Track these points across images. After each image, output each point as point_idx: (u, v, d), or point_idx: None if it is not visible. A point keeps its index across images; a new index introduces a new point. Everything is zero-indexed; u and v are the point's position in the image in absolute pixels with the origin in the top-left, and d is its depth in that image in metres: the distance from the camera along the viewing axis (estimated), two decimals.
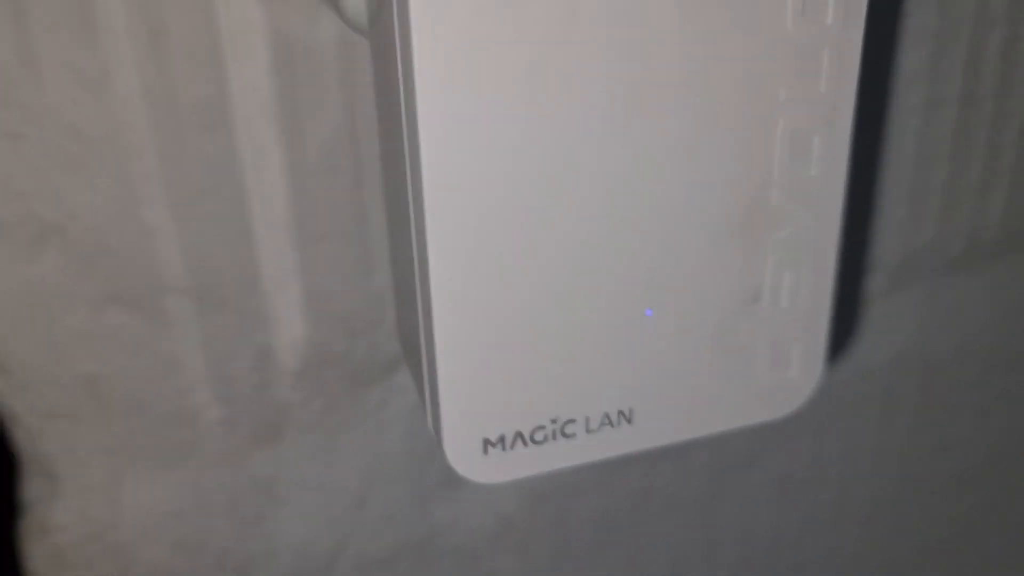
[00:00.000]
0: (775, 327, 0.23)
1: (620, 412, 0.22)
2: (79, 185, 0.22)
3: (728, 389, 0.23)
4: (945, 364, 0.35)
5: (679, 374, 0.22)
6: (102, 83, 0.21)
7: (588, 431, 0.22)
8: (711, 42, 0.19)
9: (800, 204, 0.22)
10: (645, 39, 0.18)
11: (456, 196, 0.19)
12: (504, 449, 0.21)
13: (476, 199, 0.19)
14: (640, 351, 0.22)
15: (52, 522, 0.26)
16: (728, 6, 0.19)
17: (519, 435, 0.21)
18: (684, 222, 0.21)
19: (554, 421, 0.22)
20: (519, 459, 0.22)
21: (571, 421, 0.22)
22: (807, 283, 0.23)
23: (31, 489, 0.26)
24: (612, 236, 0.20)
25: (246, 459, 0.27)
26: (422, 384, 0.22)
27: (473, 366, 0.20)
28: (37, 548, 0.26)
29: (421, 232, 0.19)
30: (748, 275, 0.22)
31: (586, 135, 0.19)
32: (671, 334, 0.22)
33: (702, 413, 0.23)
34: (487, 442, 0.21)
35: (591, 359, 0.21)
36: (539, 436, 0.21)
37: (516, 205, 0.19)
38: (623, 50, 0.18)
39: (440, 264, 0.19)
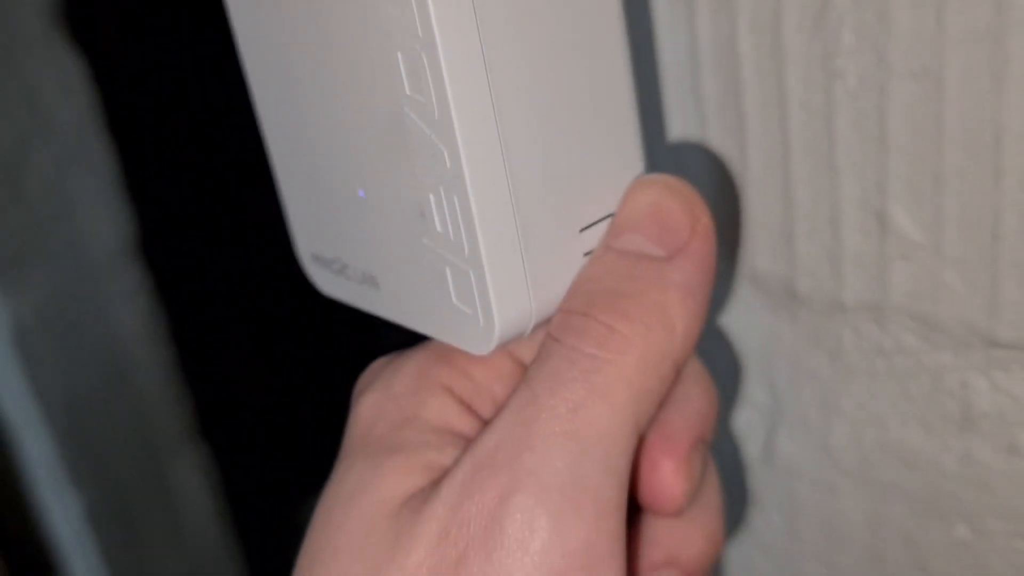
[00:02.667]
0: (441, 251, 0.23)
1: (370, 275, 0.26)
2: None
3: (433, 299, 0.25)
4: None
5: (392, 263, 0.25)
6: None
7: (356, 281, 0.27)
8: None
9: (425, 124, 0.22)
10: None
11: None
12: (326, 269, 0.28)
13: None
14: (364, 227, 0.26)
15: None
16: None
17: (330, 262, 0.28)
18: (359, 128, 0.24)
19: (338, 261, 0.27)
20: (333, 282, 0.28)
21: (345, 266, 0.27)
22: (455, 211, 0.23)
23: None
24: (321, 130, 0.26)
25: None
26: None
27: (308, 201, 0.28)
28: None
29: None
30: (411, 191, 0.24)
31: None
32: (379, 223, 0.25)
33: (417, 309, 0.25)
34: (314, 257, 0.28)
35: (338, 219, 0.27)
36: (337, 267, 0.28)
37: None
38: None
39: None
